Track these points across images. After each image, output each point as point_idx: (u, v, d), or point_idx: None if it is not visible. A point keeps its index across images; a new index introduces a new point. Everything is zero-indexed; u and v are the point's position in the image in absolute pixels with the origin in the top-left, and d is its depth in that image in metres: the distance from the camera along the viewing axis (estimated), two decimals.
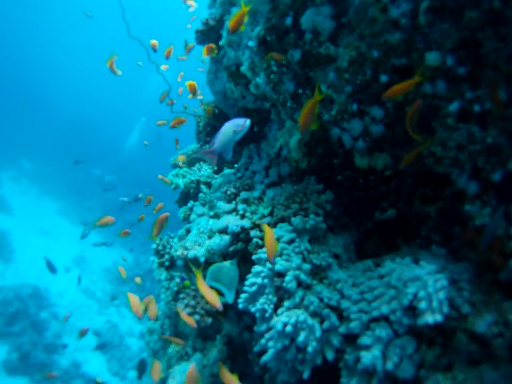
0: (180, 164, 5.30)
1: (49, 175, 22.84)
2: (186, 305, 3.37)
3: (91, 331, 12.99)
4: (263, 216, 3.09)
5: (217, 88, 3.77)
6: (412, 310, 2.07)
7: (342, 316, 2.39)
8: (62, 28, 40.89)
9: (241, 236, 3.07)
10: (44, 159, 25.14)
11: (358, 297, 2.32)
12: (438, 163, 1.99)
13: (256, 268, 2.66)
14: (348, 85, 2.16)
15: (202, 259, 3.31)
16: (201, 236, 3.45)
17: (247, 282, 2.65)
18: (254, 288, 2.58)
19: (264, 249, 2.72)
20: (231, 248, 3.11)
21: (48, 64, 41.23)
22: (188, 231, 3.99)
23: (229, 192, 3.42)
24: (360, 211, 2.66)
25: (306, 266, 2.57)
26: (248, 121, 2.97)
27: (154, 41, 5.00)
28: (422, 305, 1.97)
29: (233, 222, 3.11)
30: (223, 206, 3.37)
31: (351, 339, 2.33)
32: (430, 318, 1.94)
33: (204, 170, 5.78)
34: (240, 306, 2.64)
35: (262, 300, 2.54)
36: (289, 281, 2.48)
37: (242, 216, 3.17)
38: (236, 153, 4.58)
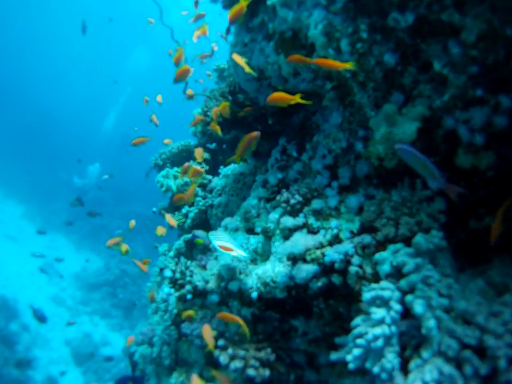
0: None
1: (12, 177, 21.71)
2: (233, 357, 2.55)
3: (63, 341, 12.30)
4: (353, 234, 2.33)
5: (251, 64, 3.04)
6: None
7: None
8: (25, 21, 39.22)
9: (337, 266, 2.25)
10: (6, 160, 23.88)
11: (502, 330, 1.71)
12: None
13: (377, 313, 1.96)
14: (474, 65, 1.63)
15: (254, 294, 2.49)
16: (243, 260, 2.71)
17: (356, 331, 2.00)
18: (379, 343, 1.90)
19: (382, 283, 2.02)
20: (319, 283, 2.29)
21: (7, 57, 39.56)
22: (207, 249, 3.32)
23: (293, 201, 2.56)
24: (453, 219, 2.07)
25: (444, 301, 1.91)
26: None
27: None
28: None
29: (312, 242, 2.33)
30: (285, 220, 2.54)
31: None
32: None
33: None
34: (352, 366, 1.98)
35: (390, 356, 1.89)
36: (430, 327, 1.85)
37: (313, 233, 2.39)
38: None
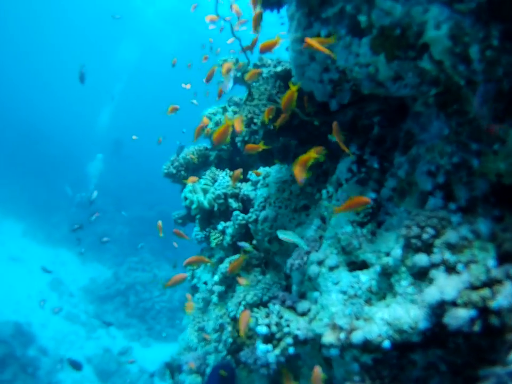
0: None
1: (7, 195, 21.13)
2: None
3: (84, 360, 11.94)
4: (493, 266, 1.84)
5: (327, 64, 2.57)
6: None
7: None
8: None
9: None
10: None
11: None
12: None
13: None
14: None
15: (386, 344, 2.05)
16: (357, 303, 2.28)
17: None
18: None
19: None
20: (475, 327, 1.82)
21: None
22: (301, 293, 2.86)
23: (426, 236, 2.02)
24: None
25: None
26: None
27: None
28: None
29: (461, 285, 1.84)
30: (419, 260, 2.01)
31: None
32: None
33: (222, 178, 4.78)
34: None
35: None
36: None
37: (451, 269, 1.92)
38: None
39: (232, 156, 5.82)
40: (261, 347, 2.56)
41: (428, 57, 1.90)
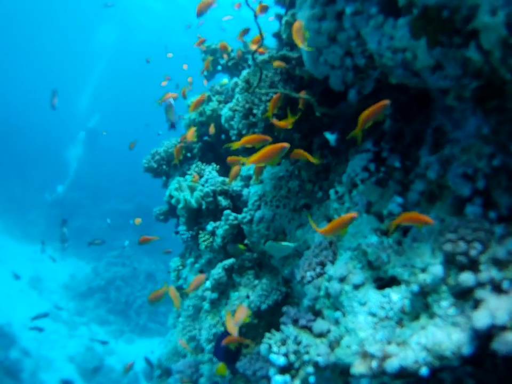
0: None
1: None
2: None
3: (66, 359, 11.62)
4: None
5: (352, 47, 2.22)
6: None
7: None
8: None
9: None
10: None
11: None
12: None
13: None
14: None
15: (424, 371, 1.72)
16: (388, 325, 1.96)
17: None
18: None
19: None
20: None
21: None
22: (315, 311, 2.52)
23: (474, 253, 1.70)
24: None
25: None
26: None
27: None
28: None
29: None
30: (466, 279, 1.70)
31: None
32: None
33: (209, 173, 4.46)
34: None
35: None
36: None
37: (499, 289, 1.60)
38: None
39: (215, 148, 5.51)
40: (277, 378, 2.22)
41: (475, 46, 1.60)
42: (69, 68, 34.86)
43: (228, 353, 3.12)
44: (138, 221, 5.17)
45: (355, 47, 2.11)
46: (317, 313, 2.48)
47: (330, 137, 2.50)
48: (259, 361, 3.33)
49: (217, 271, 3.64)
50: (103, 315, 13.79)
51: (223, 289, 3.72)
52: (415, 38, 1.77)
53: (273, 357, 2.20)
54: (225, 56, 5.49)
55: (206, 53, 5.67)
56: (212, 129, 4.73)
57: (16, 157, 25.03)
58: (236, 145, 2.42)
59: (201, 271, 4.37)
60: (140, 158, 6.86)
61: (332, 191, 2.74)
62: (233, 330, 2.68)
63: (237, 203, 4.26)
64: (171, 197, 4.05)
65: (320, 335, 2.29)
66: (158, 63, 9.98)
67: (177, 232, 5.74)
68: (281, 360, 2.17)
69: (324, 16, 2.09)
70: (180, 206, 3.96)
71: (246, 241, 3.91)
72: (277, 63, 2.78)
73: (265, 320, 3.61)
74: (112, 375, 11.43)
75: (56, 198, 18.23)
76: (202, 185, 4.15)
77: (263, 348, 2.29)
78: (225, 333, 3.07)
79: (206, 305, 3.83)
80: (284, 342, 2.24)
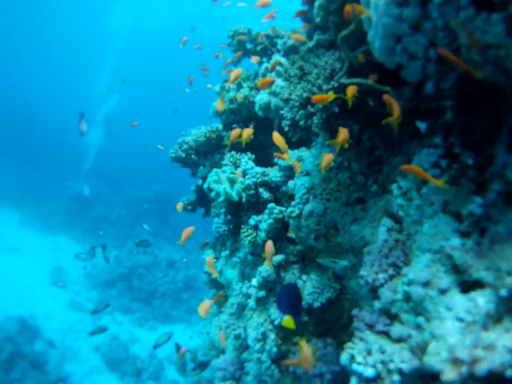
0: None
1: (1, 184, 20.48)
2: None
3: (91, 349, 11.59)
4: None
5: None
6: None
7: None
8: None
9: None
10: None
11: None
12: None
13: None
14: None
15: (510, 372, 1.63)
16: (475, 330, 1.79)
17: None
18: None
19: None
20: None
21: None
22: (390, 314, 2.34)
23: None
24: None
25: None
26: None
27: None
28: None
29: None
30: None
31: None
32: None
33: (246, 164, 4.28)
34: None
35: None
36: None
37: None
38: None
39: None
40: None
41: None
42: (84, 52, 34.59)
43: (292, 305, 3.01)
44: (180, 205, 5.05)
45: (441, 38, 1.90)
46: (393, 317, 2.31)
47: (421, 125, 2.30)
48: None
49: (266, 268, 3.48)
50: (127, 303, 13.78)
51: (271, 287, 3.57)
52: (511, 36, 1.58)
53: (358, 368, 2.05)
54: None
55: (234, 37, 5.46)
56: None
57: (31, 147, 25.04)
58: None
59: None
60: (157, 145, 6.71)
61: (394, 186, 2.54)
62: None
63: (276, 194, 4.08)
64: (210, 189, 3.87)
65: (399, 340, 2.14)
66: (175, 45, 9.79)
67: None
68: (369, 372, 2.02)
69: (406, 2, 1.87)
70: (221, 199, 3.78)
71: (289, 235, 3.74)
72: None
73: (315, 317, 3.47)
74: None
75: (79, 192, 18.20)
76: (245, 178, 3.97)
77: (344, 357, 2.13)
78: (287, 286, 2.97)
79: (251, 302, 3.68)
80: (369, 352, 2.07)
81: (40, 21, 32.76)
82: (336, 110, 2.49)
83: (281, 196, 4.03)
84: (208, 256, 3.84)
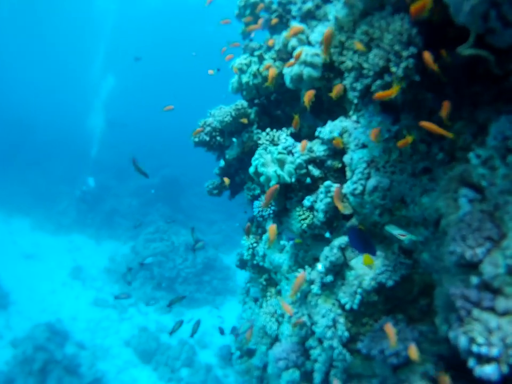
0: None
1: (8, 192, 20.18)
2: None
3: (122, 344, 11.50)
4: None
5: None
6: None
7: None
8: None
9: None
10: None
11: None
12: None
13: None
14: None
15: None
16: None
17: None
18: None
19: None
20: None
21: None
22: (494, 288, 2.19)
23: None
24: None
25: None
26: None
27: None
28: None
29: None
30: None
31: None
32: None
33: (286, 141, 4.07)
34: None
35: None
36: None
37: None
38: None
39: (270, 111, 5.07)
40: (488, 369, 1.97)
41: None
42: (73, 41, 33.85)
43: (366, 244, 2.89)
44: (227, 180, 4.84)
45: None
46: (495, 291, 2.14)
47: None
48: (384, 339, 3.04)
49: (333, 252, 3.28)
50: (150, 293, 13.70)
51: (338, 270, 3.38)
52: None
53: (482, 349, 1.95)
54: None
55: (245, 7, 5.17)
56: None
57: (34, 151, 24.59)
58: None
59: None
60: (161, 129, 6.42)
61: (472, 155, 2.33)
62: None
63: (321, 169, 3.85)
64: (258, 174, 3.64)
65: (505, 313, 2.01)
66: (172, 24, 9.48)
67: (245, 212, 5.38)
68: (494, 351, 1.91)
69: None
70: (272, 183, 3.55)
71: (344, 212, 3.52)
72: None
73: (384, 295, 3.29)
74: (170, 352, 11.28)
75: (88, 190, 17.99)
76: (291, 155, 3.74)
77: (463, 340, 2.02)
78: (352, 230, 2.87)
79: (315, 288, 3.50)
80: (490, 331, 1.96)
81: (30, 14, 32.04)
82: (417, 78, 2.26)
83: (326, 171, 3.81)
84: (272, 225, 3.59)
